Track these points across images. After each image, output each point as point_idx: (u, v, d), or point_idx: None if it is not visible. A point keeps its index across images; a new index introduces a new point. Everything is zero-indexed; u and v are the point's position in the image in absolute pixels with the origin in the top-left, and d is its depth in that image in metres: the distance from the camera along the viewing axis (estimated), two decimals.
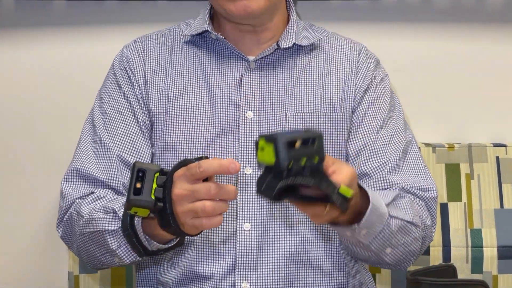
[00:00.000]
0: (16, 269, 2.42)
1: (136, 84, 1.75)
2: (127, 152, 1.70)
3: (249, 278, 1.70)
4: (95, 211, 1.58)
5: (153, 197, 1.30)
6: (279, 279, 1.71)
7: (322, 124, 1.73)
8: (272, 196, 1.17)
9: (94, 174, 1.66)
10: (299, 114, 1.74)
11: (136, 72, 1.76)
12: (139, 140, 1.72)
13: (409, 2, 2.29)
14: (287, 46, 1.72)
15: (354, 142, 1.75)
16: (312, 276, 1.73)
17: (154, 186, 1.30)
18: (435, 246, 2.08)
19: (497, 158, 2.13)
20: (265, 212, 1.64)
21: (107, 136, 1.71)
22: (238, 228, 1.67)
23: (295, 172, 1.17)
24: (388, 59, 2.10)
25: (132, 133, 1.71)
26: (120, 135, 1.71)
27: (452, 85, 2.28)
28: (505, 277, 2.09)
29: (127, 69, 1.77)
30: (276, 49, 1.73)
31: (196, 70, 1.76)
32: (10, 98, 2.37)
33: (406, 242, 1.59)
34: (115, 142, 1.68)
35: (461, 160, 2.13)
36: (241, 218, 1.67)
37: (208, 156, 1.45)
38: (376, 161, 1.71)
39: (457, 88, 2.29)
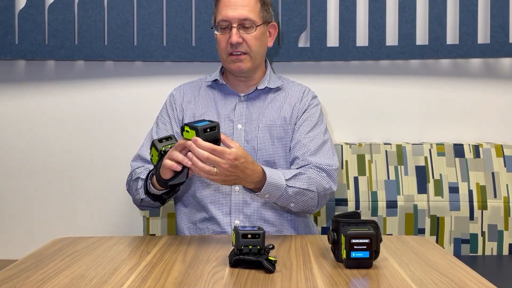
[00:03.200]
0: (108, 218, 2.66)
1: (175, 109, 2.06)
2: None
3: (239, 218, 1.95)
4: (140, 171, 1.92)
5: (163, 149, 1.67)
6: (256, 219, 1.95)
7: (278, 131, 1.99)
8: (231, 264, 1.42)
9: (146, 157, 1.97)
10: (266, 125, 1.99)
11: (177, 103, 2.08)
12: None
13: (337, 64, 2.59)
14: (261, 88, 2.02)
15: (293, 139, 1.99)
16: (274, 217, 1.96)
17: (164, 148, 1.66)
18: (351, 201, 2.38)
19: (386, 151, 2.45)
20: None
21: (156, 136, 2.01)
22: (232, 189, 1.95)
23: (244, 253, 1.41)
24: (325, 95, 2.52)
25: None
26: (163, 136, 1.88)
27: (361, 109, 2.62)
28: (390, 218, 2.38)
29: (171, 101, 2.09)
30: (255, 90, 2.03)
31: (211, 102, 2.04)
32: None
33: (304, 200, 1.84)
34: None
35: (365, 152, 2.46)
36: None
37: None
38: (302, 149, 1.94)
39: (364, 111, 2.62)
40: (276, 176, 1.77)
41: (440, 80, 2.65)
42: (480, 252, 2.40)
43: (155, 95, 2.52)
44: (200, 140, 1.56)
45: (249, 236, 1.42)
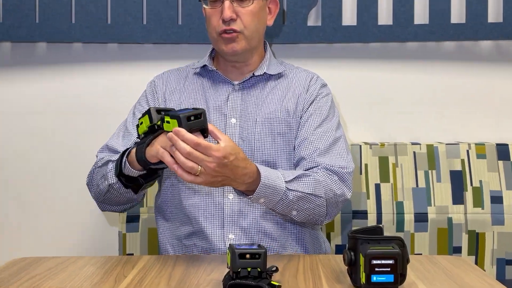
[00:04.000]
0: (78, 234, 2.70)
1: (157, 99, 2.11)
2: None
3: (233, 232, 1.98)
4: (109, 158, 1.90)
5: (158, 123, 1.66)
6: (254, 232, 1.98)
7: (280, 126, 2.03)
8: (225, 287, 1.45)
9: (117, 148, 1.99)
10: (265, 119, 2.03)
11: (158, 91, 2.12)
12: None
13: (352, 46, 2.64)
14: (259, 74, 2.07)
15: (298, 136, 2.02)
16: (275, 230, 1.99)
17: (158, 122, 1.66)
18: (371, 213, 2.42)
19: (414, 152, 2.47)
20: None
21: (132, 127, 2.04)
22: (225, 196, 1.98)
23: (241, 276, 1.43)
24: (338, 85, 2.58)
25: None
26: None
27: (384, 102, 2.67)
28: (419, 234, 2.40)
29: (153, 88, 2.14)
30: (251, 77, 2.07)
31: (200, 92, 2.09)
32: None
33: (309, 207, 1.86)
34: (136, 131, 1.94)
35: (389, 154, 2.48)
36: (227, 190, 1.97)
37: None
38: (310, 148, 1.98)
39: (387, 105, 2.67)
40: (274, 176, 1.80)
41: (480, 66, 2.67)
42: None
43: (133, 84, 2.52)
44: (182, 131, 1.57)
45: (248, 256, 1.43)
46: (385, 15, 2.62)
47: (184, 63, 2.27)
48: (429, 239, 2.41)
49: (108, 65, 2.68)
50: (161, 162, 1.68)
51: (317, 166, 1.94)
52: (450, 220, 2.42)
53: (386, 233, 2.35)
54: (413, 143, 2.52)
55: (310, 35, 2.61)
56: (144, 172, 1.77)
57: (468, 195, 2.44)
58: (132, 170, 1.77)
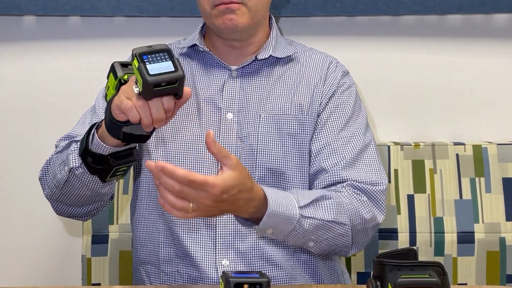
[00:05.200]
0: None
1: None
2: None
3: (228, 256, 2.00)
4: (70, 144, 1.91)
5: (125, 77, 1.67)
6: (255, 258, 2.01)
7: (290, 124, 2.06)
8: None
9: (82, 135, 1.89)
10: (271, 115, 2.06)
11: None
12: None
13: (380, 20, 2.67)
14: (263, 58, 2.08)
15: (317, 141, 2.05)
16: (281, 256, 2.02)
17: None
18: (402, 232, 2.44)
19: (457, 155, 2.48)
20: None
21: (102, 111, 2.01)
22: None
23: None
24: (362, 70, 2.61)
25: None
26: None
27: (418, 92, 2.70)
28: (463, 259, 2.42)
29: None
30: (254, 60, 2.09)
31: (188, 78, 2.10)
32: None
33: (329, 237, 1.88)
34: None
35: (425, 157, 2.49)
36: None
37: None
38: (334, 158, 2.00)
39: (422, 95, 2.70)
40: (285, 201, 1.81)
41: None
42: None
43: (101, 65, 2.41)
44: (169, 167, 1.55)
45: (246, 286, 1.45)
46: None
47: (165, 41, 2.17)
48: (476, 265, 2.43)
49: (69, 43, 2.69)
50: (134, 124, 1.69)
51: (342, 182, 1.96)
52: (503, 241, 2.44)
53: (422, 258, 2.28)
54: (455, 143, 2.54)
55: (326, 7, 2.61)
56: (117, 150, 1.76)
57: None
58: (102, 144, 1.75)
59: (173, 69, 1.56)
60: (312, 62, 2.15)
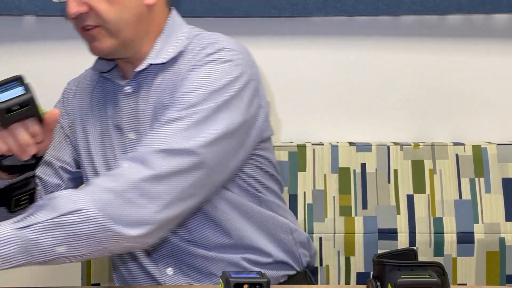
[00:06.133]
0: None
1: (65, 114, 2.13)
2: (51, 155, 2.07)
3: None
4: None
5: None
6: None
7: None
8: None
9: None
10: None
11: (68, 107, 2.14)
12: (62, 154, 2.10)
13: (380, 20, 2.67)
14: (142, 69, 1.95)
15: None
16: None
17: None
18: (402, 232, 2.44)
19: (457, 155, 2.49)
20: None
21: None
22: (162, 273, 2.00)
23: None
24: (362, 70, 2.64)
25: (57, 146, 2.08)
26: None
27: (417, 92, 2.71)
28: (462, 259, 2.42)
29: (63, 102, 2.17)
30: (137, 73, 1.97)
31: (101, 101, 2.08)
32: None
33: (72, 232, 1.64)
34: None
35: (425, 157, 2.50)
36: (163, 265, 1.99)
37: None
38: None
39: (421, 95, 2.71)
40: None
41: None
42: None
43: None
44: None
45: (246, 286, 1.46)
46: None
47: None
48: (475, 265, 2.44)
49: (67, 43, 2.70)
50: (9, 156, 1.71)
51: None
52: (502, 241, 2.45)
53: (421, 258, 2.22)
54: (455, 144, 2.54)
55: (326, 7, 2.62)
56: (12, 181, 1.78)
57: None
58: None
59: (22, 93, 1.59)
60: (192, 53, 1.97)
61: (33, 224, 1.62)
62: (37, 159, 1.75)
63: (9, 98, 1.58)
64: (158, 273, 1.99)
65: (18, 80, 1.61)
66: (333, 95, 2.72)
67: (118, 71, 2.04)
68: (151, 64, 1.96)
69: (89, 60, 2.41)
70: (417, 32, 2.71)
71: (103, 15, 1.88)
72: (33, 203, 1.74)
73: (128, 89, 1.99)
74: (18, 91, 1.59)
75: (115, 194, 1.67)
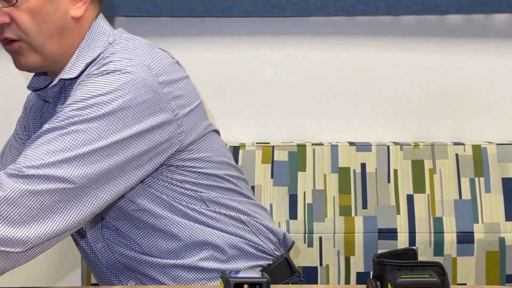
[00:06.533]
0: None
1: (24, 128, 2.14)
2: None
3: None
4: None
5: None
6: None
7: None
8: None
9: None
10: None
11: (26, 119, 2.13)
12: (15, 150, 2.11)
13: (380, 20, 2.68)
14: (54, 85, 1.87)
15: None
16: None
17: None
18: (402, 232, 2.45)
19: (456, 155, 2.51)
20: None
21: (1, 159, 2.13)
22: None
23: None
24: (362, 70, 2.64)
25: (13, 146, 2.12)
26: (10, 159, 2.10)
27: (417, 92, 2.71)
28: (462, 259, 2.43)
29: (23, 114, 2.16)
30: (51, 91, 1.89)
31: (42, 118, 2.06)
32: None
33: None
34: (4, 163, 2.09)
35: (425, 157, 2.51)
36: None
37: None
38: None
39: (421, 95, 2.71)
40: None
41: None
42: None
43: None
44: None
45: (246, 286, 1.45)
46: None
47: (164, 40, 2.24)
48: (475, 265, 2.45)
49: None
50: None
51: None
52: (502, 241, 2.45)
53: (421, 258, 2.28)
54: (455, 143, 2.55)
55: (326, 6, 2.62)
56: None
57: None
58: None
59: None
60: (94, 67, 1.85)
61: None
62: None
63: None
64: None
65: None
66: (333, 95, 2.72)
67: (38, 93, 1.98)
68: (61, 79, 1.86)
69: None
70: (417, 32, 2.71)
71: (24, 28, 1.80)
72: None
73: (57, 107, 1.90)
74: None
75: None
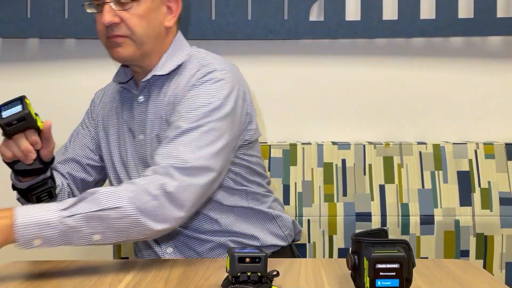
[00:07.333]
0: None
1: (92, 118, 2.12)
2: (79, 154, 2.07)
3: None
4: None
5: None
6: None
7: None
8: None
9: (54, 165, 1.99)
10: (156, 135, 1.91)
11: (94, 109, 2.13)
12: (87, 151, 2.08)
13: (357, 42, 2.67)
14: (148, 79, 1.92)
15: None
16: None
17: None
18: (375, 215, 2.43)
19: (420, 152, 2.50)
20: None
21: (70, 144, 2.11)
22: None
23: (240, 281, 1.42)
24: (343, 84, 2.61)
25: (83, 145, 2.08)
26: (78, 143, 2.09)
27: (388, 102, 2.70)
28: (425, 237, 2.42)
29: (91, 106, 2.15)
30: (146, 82, 1.94)
31: (119, 108, 2.03)
32: None
33: (110, 224, 1.62)
34: (73, 147, 2.08)
35: (394, 154, 2.50)
36: None
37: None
38: (160, 145, 1.80)
39: (391, 104, 2.70)
40: (40, 210, 1.60)
41: (488, 63, 2.69)
42: None
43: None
44: None
45: (248, 259, 1.43)
46: (390, 10, 2.65)
47: None
48: (435, 242, 2.43)
49: (102, 61, 2.65)
50: (19, 161, 1.76)
51: (156, 165, 1.74)
52: (457, 222, 2.43)
53: (391, 236, 2.32)
54: (419, 143, 2.53)
55: (313, 31, 2.63)
56: (32, 182, 1.81)
57: (476, 197, 2.45)
58: (17, 182, 1.83)
59: (20, 109, 1.64)
60: (189, 71, 1.92)
61: (75, 214, 1.59)
62: (45, 164, 1.80)
63: (9, 115, 1.64)
64: (160, 251, 1.98)
65: (18, 100, 1.66)
66: (319, 104, 2.71)
67: (134, 82, 2.01)
68: (154, 75, 1.93)
69: (110, 74, 2.40)
70: (388, 52, 2.70)
71: (133, 27, 1.86)
72: (52, 198, 1.82)
73: (141, 98, 1.96)
74: (17, 108, 1.64)
75: (151, 197, 1.65)
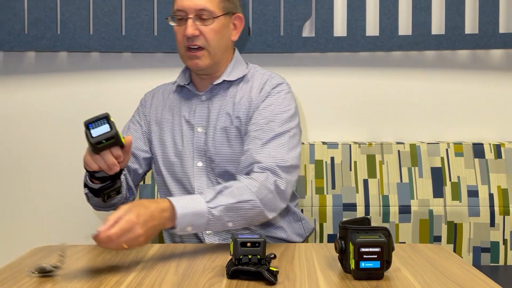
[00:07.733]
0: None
1: (144, 115, 2.13)
2: (133, 147, 2.02)
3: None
4: None
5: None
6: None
7: (234, 133, 1.97)
8: (228, 276, 1.45)
9: None
10: (222, 127, 1.98)
11: (146, 108, 2.14)
12: (140, 144, 2.07)
13: (344, 55, 2.64)
14: (219, 83, 2.02)
15: (248, 131, 1.95)
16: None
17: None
18: (360, 206, 2.42)
19: (399, 151, 2.49)
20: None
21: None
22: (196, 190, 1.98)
23: (243, 263, 1.43)
24: (331, 92, 2.58)
25: (137, 138, 2.07)
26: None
27: (371, 107, 2.68)
28: (403, 225, 2.42)
29: (142, 105, 2.15)
30: (213, 86, 2.02)
31: (177, 106, 2.08)
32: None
33: (242, 214, 1.76)
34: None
35: (376, 152, 2.50)
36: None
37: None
38: (251, 143, 1.90)
39: (374, 109, 2.68)
40: (192, 202, 1.69)
41: (458, 73, 2.68)
42: (501, 262, 2.42)
43: (145, 89, 2.48)
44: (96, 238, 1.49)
45: (249, 244, 1.44)
46: (372, 27, 2.65)
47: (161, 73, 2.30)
48: (412, 229, 2.42)
49: (123, 72, 2.68)
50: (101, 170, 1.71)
51: (254, 163, 1.85)
52: (431, 212, 2.43)
53: (373, 224, 2.39)
54: (397, 143, 2.52)
55: (305, 45, 2.62)
56: (104, 184, 1.76)
57: (447, 190, 2.45)
58: (92, 184, 1.78)
59: (109, 129, 1.60)
60: (257, 81, 2.03)
61: (218, 206, 1.71)
62: (119, 171, 1.75)
63: (99, 134, 1.59)
64: (200, 232, 1.96)
65: (105, 118, 1.61)
66: (311, 108, 2.69)
67: (193, 85, 2.07)
68: (224, 80, 2.02)
69: (130, 84, 2.41)
70: (371, 64, 2.68)
71: (210, 40, 1.95)
72: (119, 194, 1.80)
73: (204, 98, 2.03)
74: (105, 128, 1.60)
75: (268, 191, 1.80)
